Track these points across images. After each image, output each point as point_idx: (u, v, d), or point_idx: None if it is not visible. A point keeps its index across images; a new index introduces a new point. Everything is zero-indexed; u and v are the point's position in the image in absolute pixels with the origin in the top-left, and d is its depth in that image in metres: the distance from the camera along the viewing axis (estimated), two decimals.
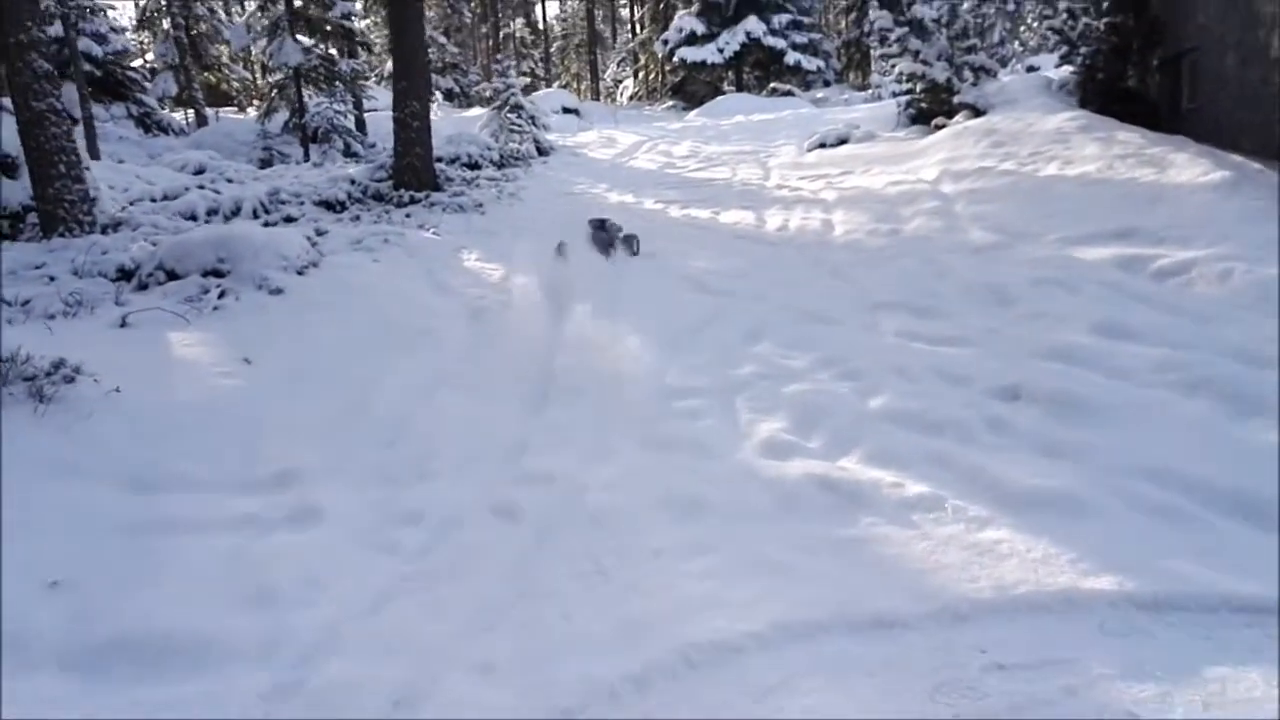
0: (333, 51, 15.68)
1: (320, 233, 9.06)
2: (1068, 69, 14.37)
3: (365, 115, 16.79)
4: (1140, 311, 5.96)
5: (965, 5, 15.37)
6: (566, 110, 31.27)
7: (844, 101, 29.35)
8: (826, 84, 36.02)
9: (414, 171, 11.21)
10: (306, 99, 15.85)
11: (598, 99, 40.65)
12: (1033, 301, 6.40)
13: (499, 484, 4.28)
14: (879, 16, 14.17)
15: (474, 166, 14.29)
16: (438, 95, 33.07)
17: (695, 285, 7.74)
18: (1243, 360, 5.04)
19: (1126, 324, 5.70)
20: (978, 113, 13.45)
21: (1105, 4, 13.44)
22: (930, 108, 14.28)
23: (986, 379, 5.26)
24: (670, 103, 35.34)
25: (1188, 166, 8.46)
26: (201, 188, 10.84)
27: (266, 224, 10.14)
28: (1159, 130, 12.60)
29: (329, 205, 10.82)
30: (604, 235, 9.06)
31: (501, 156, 14.87)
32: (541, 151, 16.54)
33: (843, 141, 14.94)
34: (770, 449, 4.56)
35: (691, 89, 35.33)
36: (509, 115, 16.05)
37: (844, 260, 8.12)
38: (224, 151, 16.74)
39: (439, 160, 14.41)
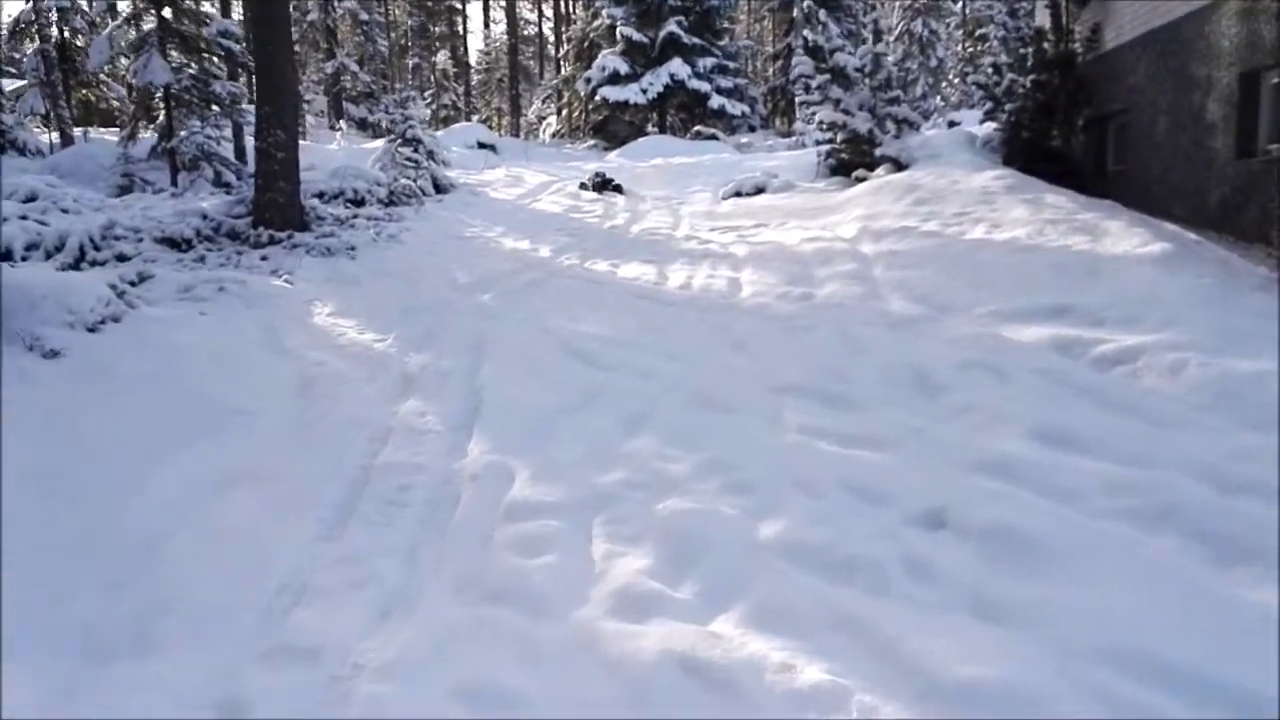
0: (209, 72, 14.28)
1: (143, 277, 7.73)
2: (992, 125, 13.82)
3: (246, 143, 15.39)
4: (1084, 410, 5.04)
5: (890, 57, 14.80)
6: (482, 145, 30.15)
7: (768, 147, 28.86)
8: (752, 129, 35.65)
9: (277, 208, 9.93)
10: (181, 123, 14.41)
11: (518, 135, 39.66)
12: (961, 391, 5.45)
13: (242, 664, 3.06)
14: (800, 62, 13.47)
15: (359, 203, 13.03)
16: (348, 125, 31.73)
17: (576, 355, 6.64)
18: (1211, 483, 4.12)
19: (1070, 427, 4.76)
20: (899, 166, 12.75)
21: (1031, 62, 12.94)
22: (851, 159, 13.56)
23: (907, 498, 4.24)
24: (592, 142, 34.52)
25: (1124, 236, 7.71)
26: (24, 218, 9.35)
27: (94, 263, 8.76)
28: (1084, 192, 12.06)
29: (174, 243, 9.46)
30: None
31: (391, 193, 13.64)
32: (440, 189, 15.35)
33: (760, 191, 14.12)
34: (626, 603, 3.44)
35: (614, 129, 34.57)
36: (403, 149, 14.83)
37: (749, 329, 7.12)
38: (82, 176, 15.15)
39: (320, 195, 13.15)
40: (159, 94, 13.92)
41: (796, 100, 16.25)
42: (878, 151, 12.89)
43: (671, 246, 10.81)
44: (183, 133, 13.91)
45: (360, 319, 7.57)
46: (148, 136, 14.92)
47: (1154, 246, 7.34)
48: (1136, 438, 4.62)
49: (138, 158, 14.72)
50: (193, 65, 13.91)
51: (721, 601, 3.48)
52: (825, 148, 14.36)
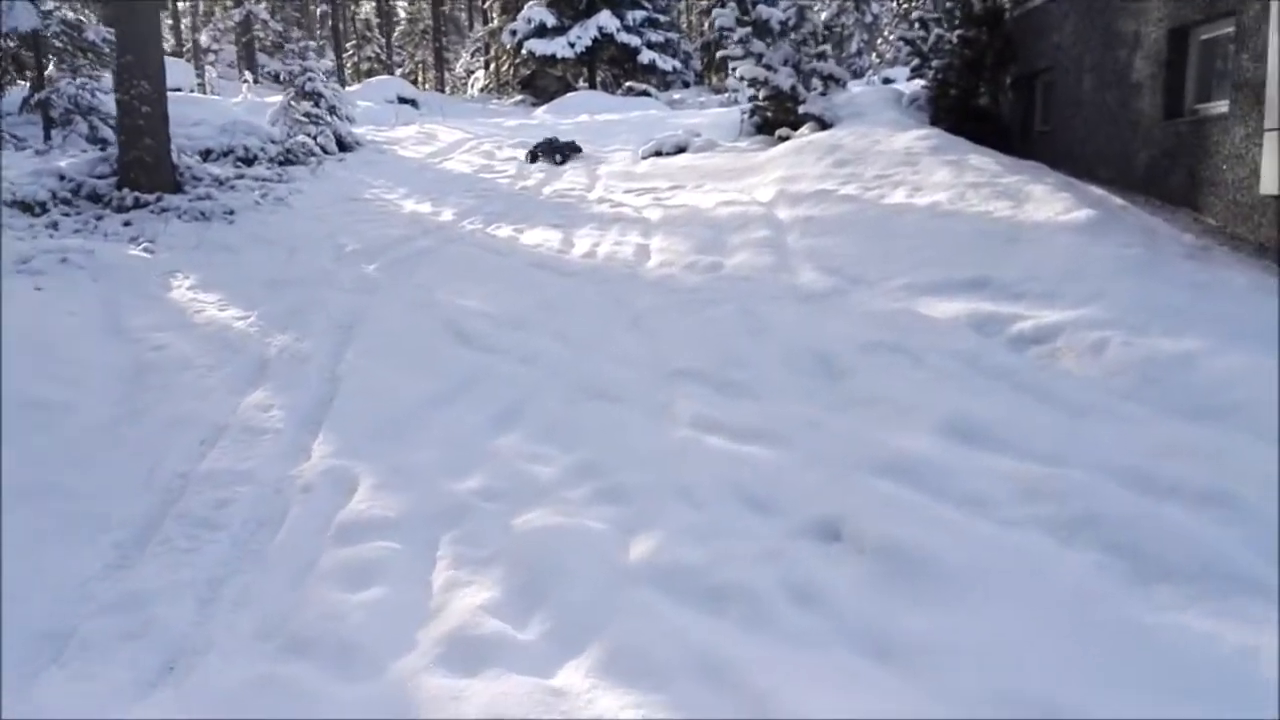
0: (84, 17, 13.13)
1: None
2: (919, 83, 13.37)
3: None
4: (998, 397, 4.60)
5: (818, 9, 14.21)
6: (402, 100, 28.93)
7: (700, 104, 28.17)
8: (686, 85, 34.86)
9: (143, 167, 9.05)
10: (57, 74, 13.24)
11: (443, 90, 38.30)
12: (867, 377, 4.97)
13: None
14: (720, 14, 12.79)
15: (250, 162, 12.12)
16: (264, 78, 30.10)
17: (458, 335, 6.02)
18: (1132, 485, 3.70)
19: (982, 420, 4.31)
20: (824, 125, 12.24)
21: (958, 17, 12.47)
22: (775, 117, 12.98)
23: (798, 504, 3.76)
24: (519, 97, 33.45)
25: (1047, 201, 7.30)
26: None
27: None
28: (1011, 153, 11.69)
29: (26, 207, 8.56)
30: None
31: (288, 151, 12.74)
32: (344, 146, 14.44)
33: (680, 150, 13.49)
34: (459, 649, 2.89)
35: (542, 84, 33.51)
36: (302, 103, 13.87)
37: (650, 305, 6.56)
38: None
39: (208, 153, 12.24)
40: (22, 40, 12.74)
41: (716, 55, 15.55)
42: (801, 109, 12.34)
43: (582, 210, 10.18)
44: (61, 84, 12.76)
45: (224, 293, 6.84)
46: (20, 89, 13.71)
47: (1078, 213, 6.94)
48: (1053, 431, 4.20)
49: (8, 112, 13.53)
50: (63, 8, 12.75)
51: (573, 644, 2.95)
52: (749, 105, 13.77)
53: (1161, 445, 3.97)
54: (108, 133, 11.98)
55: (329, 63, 15.03)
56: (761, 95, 13.02)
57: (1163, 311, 5.20)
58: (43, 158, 10.72)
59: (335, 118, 14.51)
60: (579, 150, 14.40)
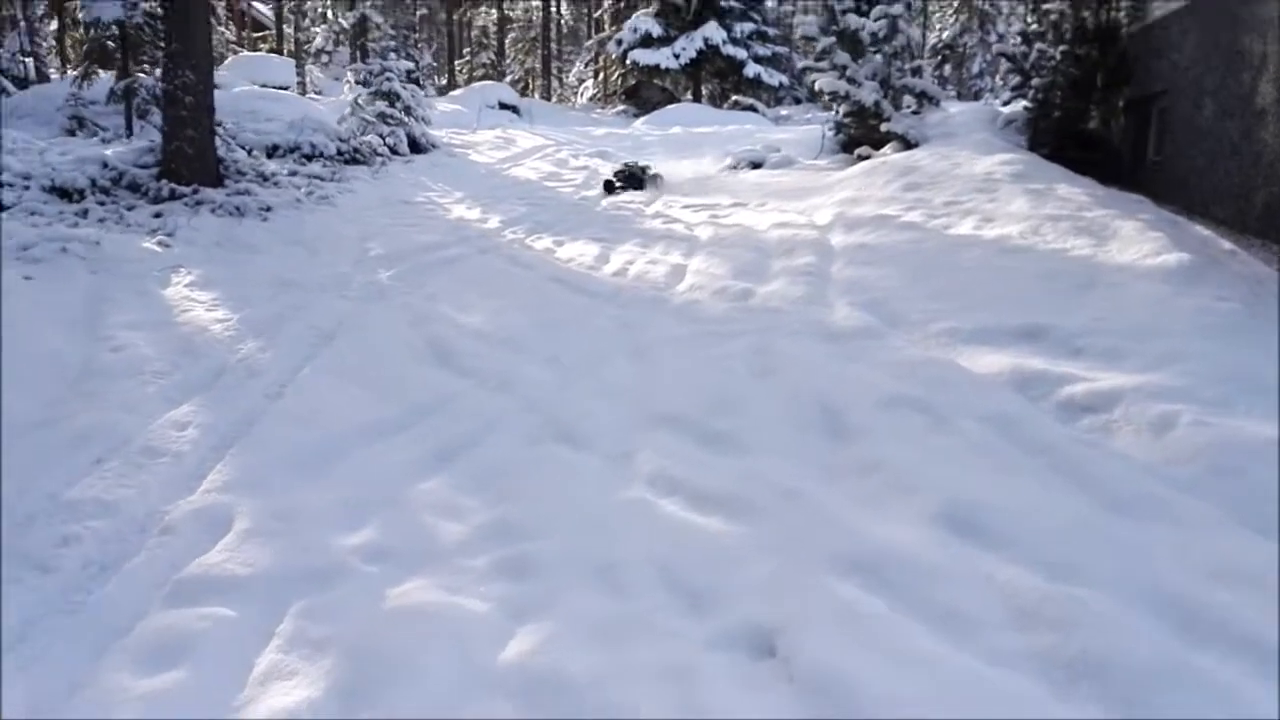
0: None
1: None
2: (1021, 104, 12.30)
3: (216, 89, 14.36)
4: (1024, 479, 3.76)
5: (905, 22, 13.25)
6: (504, 106, 28.94)
7: (807, 120, 27.26)
8: (797, 101, 33.93)
9: (184, 159, 8.86)
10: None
11: (548, 97, 38.32)
12: (874, 439, 4.19)
13: None
14: (803, 23, 12.03)
15: (313, 159, 11.97)
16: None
17: (439, 355, 5.48)
18: (1163, 617, 2.87)
19: (994, 507, 3.50)
20: (908, 145, 11.33)
21: (1067, 31, 11.39)
22: (857, 134, 12.14)
23: (736, 602, 3.05)
24: (622, 108, 33.11)
25: (1134, 240, 6.33)
26: None
27: None
28: (1119, 184, 10.56)
29: (64, 193, 8.45)
30: None
31: (354, 150, 12.55)
32: (416, 148, 14.22)
33: (756, 166, 12.78)
34: None
35: (646, 95, 33.07)
36: (378, 103, 13.70)
37: (661, 334, 5.90)
38: (41, 118, 14.25)
39: (274, 149, 12.13)
40: (107, 31, 12.90)
41: (798, 66, 14.69)
42: (884, 127, 11.46)
43: (633, 224, 9.58)
44: (140, 75, 12.88)
45: (222, 293, 6.48)
46: (105, 77, 13.95)
47: (1169, 256, 5.96)
48: (1080, 532, 3.35)
49: (90, 100, 13.78)
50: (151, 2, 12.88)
51: None
52: (832, 122, 12.94)
53: (1216, 565, 3.09)
54: None
55: (408, 64, 14.80)
56: (843, 111, 12.18)
57: (1251, 385, 4.26)
58: (109, 145, 10.73)
59: (411, 119, 14.31)
60: (656, 178, 12.51)
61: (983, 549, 3.27)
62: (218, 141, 9.88)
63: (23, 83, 17.82)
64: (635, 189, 11.95)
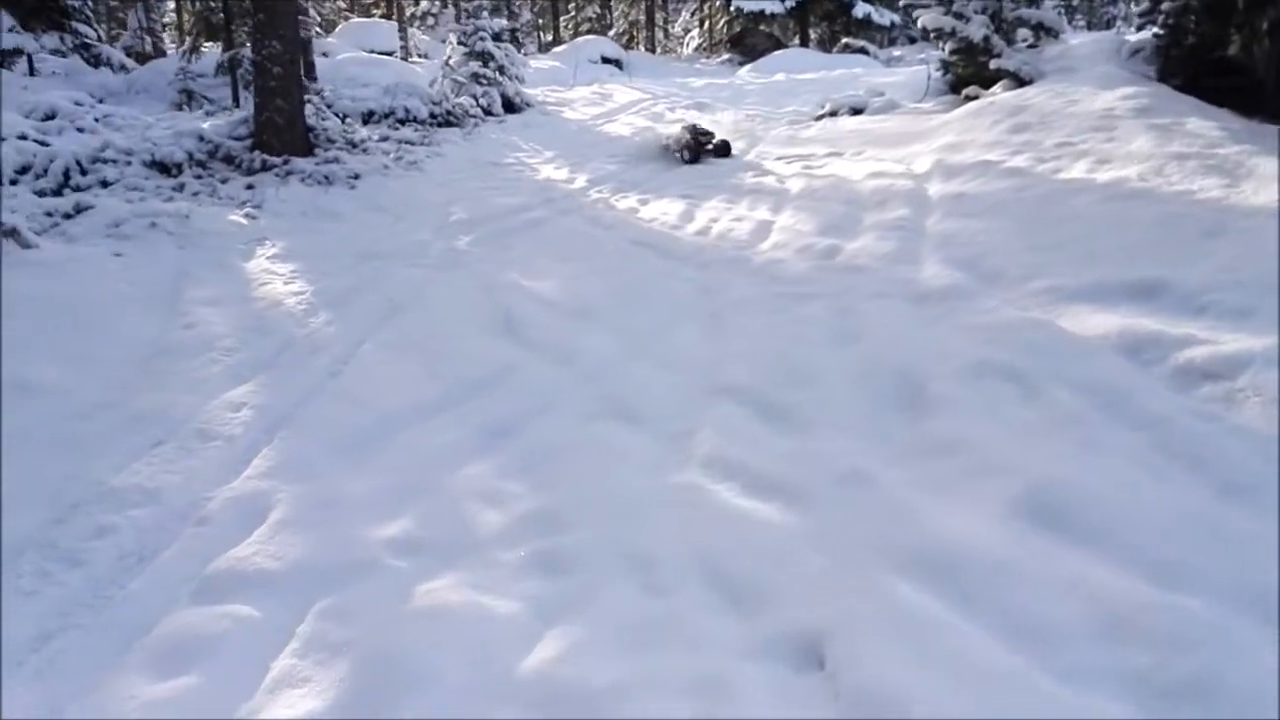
0: None
1: (80, 209, 6.94)
2: (1151, 30, 11.22)
3: (317, 60, 14.56)
4: (1125, 460, 3.34)
5: None
6: (606, 60, 28.69)
7: (920, 60, 25.91)
8: (911, 40, 32.33)
9: (275, 129, 8.95)
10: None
11: (653, 49, 37.69)
12: (955, 412, 3.82)
13: None
14: None
15: (408, 123, 12.01)
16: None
17: (505, 325, 5.34)
18: None
19: (1087, 494, 3.11)
20: (1021, 82, 10.51)
21: None
22: (965, 73, 11.33)
23: (785, 603, 2.79)
24: (727, 56, 32.29)
25: (1272, 179, 5.62)
26: (24, 138, 8.74)
27: (77, 188, 8.03)
28: (1262, 114, 9.53)
29: (163, 168, 8.66)
30: None
31: (447, 113, 12.52)
32: (511, 107, 14.11)
33: (857, 112, 12.14)
34: None
35: (751, 42, 32.13)
36: (471, 64, 13.61)
37: (739, 296, 5.60)
38: (155, 92, 14.80)
39: (370, 115, 12.23)
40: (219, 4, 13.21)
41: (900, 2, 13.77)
42: (994, 64, 10.64)
43: (722, 178, 9.21)
44: (244, 48, 13.16)
45: (303, 264, 6.51)
46: (214, 50, 14.35)
47: None
48: (1190, 523, 2.94)
49: (198, 73, 14.18)
50: None
51: None
52: (939, 61, 12.13)
53: None
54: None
55: (502, 23, 14.64)
56: (949, 49, 11.39)
57: None
58: (213, 118, 10.98)
59: (504, 78, 14.18)
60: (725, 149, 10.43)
61: (1070, 545, 2.90)
62: (310, 110, 9.97)
63: (144, 58, 18.57)
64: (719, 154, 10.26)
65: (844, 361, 4.45)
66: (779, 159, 9.93)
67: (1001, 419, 3.72)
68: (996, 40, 10.81)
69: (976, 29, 10.66)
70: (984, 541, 2.93)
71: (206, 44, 15.41)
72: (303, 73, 14.47)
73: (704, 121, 11.95)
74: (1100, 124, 7.53)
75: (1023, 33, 12.06)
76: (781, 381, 4.32)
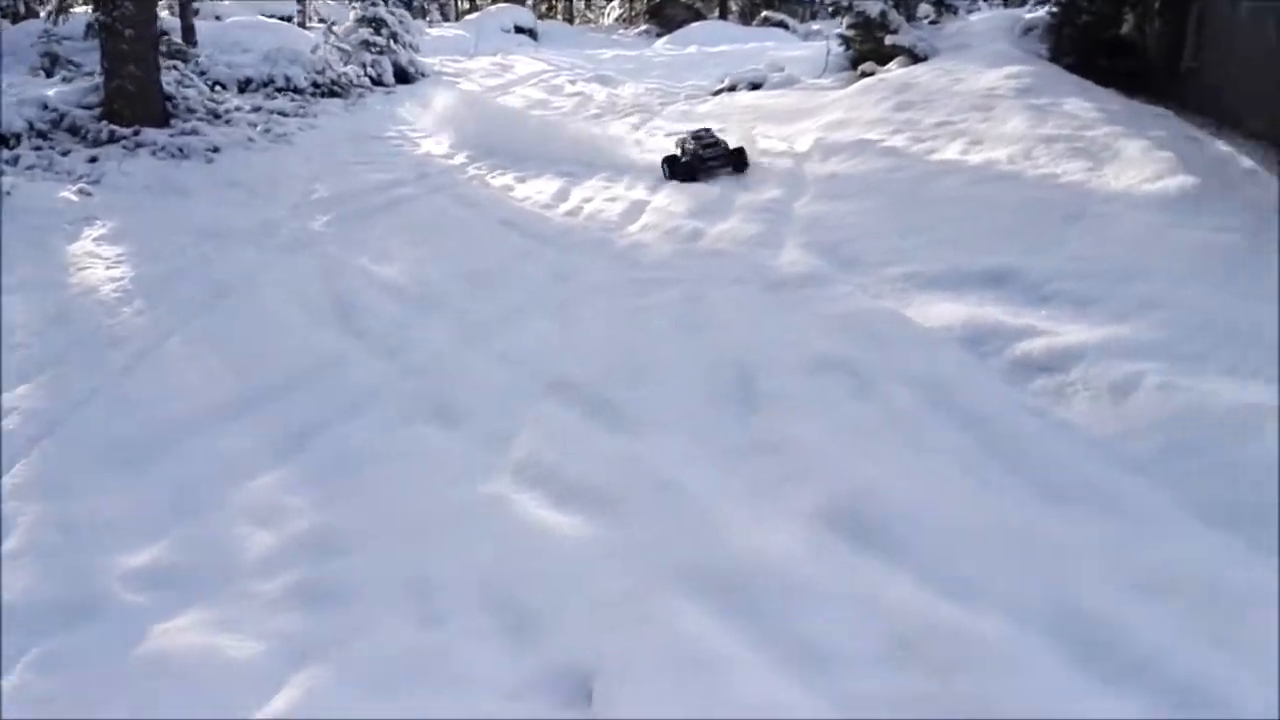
0: None
1: None
2: (1045, 9, 11.22)
3: (197, 23, 13.80)
4: (946, 461, 3.18)
5: None
6: (520, 29, 28.01)
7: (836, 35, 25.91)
8: (833, 14, 32.35)
9: (127, 98, 8.36)
10: None
11: (571, 20, 37.05)
12: (787, 410, 3.62)
13: None
14: None
15: (289, 92, 11.43)
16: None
17: (339, 313, 5.00)
18: (1069, 647, 2.31)
19: (895, 504, 2.93)
20: (917, 58, 10.41)
21: None
22: (863, 49, 11.20)
23: (567, 636, 2.55)
24: (645, 27, 31.86)
25: (1136, 163, 5.56)
26: None
27: None
28: (1150, 94, 9.58)
29: (2, 139, 8.02)
30: None
31: (332, 82, 11.95)
32: (404, 77, 13.58)
33: (755, 87, 11.95)
34: None
35: (670, 13, 31.73)
36: (362, 31, 13.03)
37: (595, 282, 5.35)
38: (20, 56, 13.84)
39: (247, 82, 11.60)
40: None
41: None
42: (890, 40, 10.52)
43: (607, 155, 8.89)
44: None
45: (131, 246, 6.04)
46: (82, 12, 13.48)
47: (1171, 181, 5.20)
48: (999, 532, 2.78)
49: (66, 36, 13.30)
50: None
51: None
52: (839, 36, 11.98)
53: (1150, 575, 2.52)
54: None
55: None
56: (847, 24, 11.24)
57: (1235, 336, 3.60)
58: (48, 84, 10.25)
59: (398, 45, 13.62)
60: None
61: (872, 557, 2.72)
62: (172, 77, 9.37)
63: (17, 18, 17.38)
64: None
65: (686, 354, 4.23)
66: (668, 135, 9.64)
67: (830, 418, 3.53)
68: (894, 16, 10.69)
69: (873, 4, 10.51)
70: (785, 558, 2.73)
71: (83, 4, 14.45)
72: (182, 37, 13.76)
73: (601, 94, 11.62)
74: (981, 103, 7.44)
75: (924, 8, 11.99)
76: (618, 376, 4.07)
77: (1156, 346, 3.63)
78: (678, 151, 7.83)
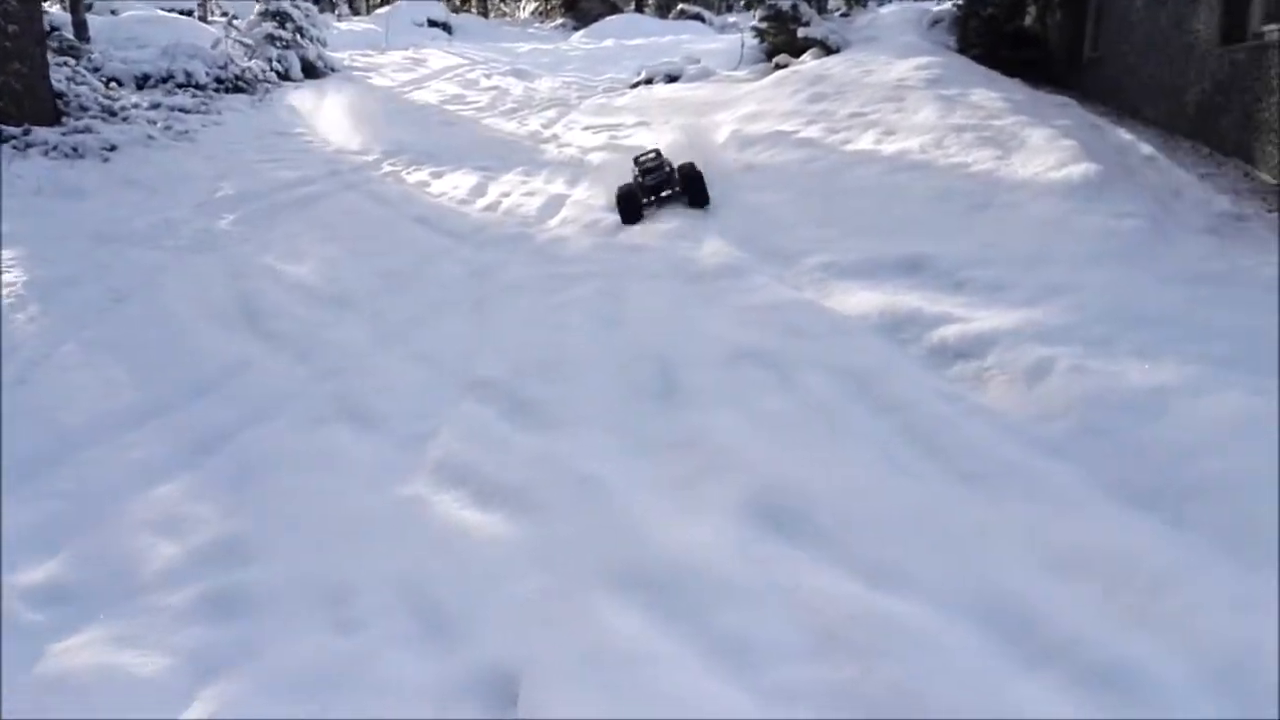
0: None
1: None
2: (951, 2, 11.48)
3: (90, 19, 13.21)
4: (865, 450, 3.21)
5: None
6: (433, 23, 27.54)
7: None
8: (749, 7, 32.59)
9: (12, 96, 7.93)
10: None
11: (486, 14, 36.63)
12: (706, 404, 3.61)
13: None
14: None
15: (190, 88, 11.01)
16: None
17: (245, 317, 4.82)
18: (990, 628, 2.33)
19: (817, 495, 2.93)
20: (829, 50, 10.53)
21: None
22: (777, 42, 11.30)
23: (488, 634, 2.48)
24: (561, 21, 31.67)
25: (1041, 151, 5.69)
26: None
27: None
28: (1053, 84, 9.88)
29: None
30: None
31: (236, 78, 11.57)
32: (312, 72, 13.23)
33: (672, 79, 11.96)
34: None
35: (586, 6, 31.58)
36: (266, 25, 12.64)
37: (513, 279, 5.27)
38: None
39: (145, 79, 11.15)
40: None
41: None
42: (802, 32, 10.64)
43: (524, 150, 8.82)
44: None
45: (24, 250, 5.71)
46: None
47: (1075, 168, 5.34)
48: (919, 518, 2.80)
49: None
50: None
51: None
52: (752, 28, 12.07)
53: (1065, 554, 2.56)
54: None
55: None
56: (759, 16, 11.32)
57: (1141, 319, 3.71)
58: None
59: (305, 40, 13.26)
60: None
61: (795, 548, 2.71)
62: (64, 74, 8.94)
63: None
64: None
65: (605, 350, 4.19)
66: (585, 129, 9.60)
67: (750, 410, 3.52)
68: (805, 9, 10.80)
69: None
70: (708, 551, 2.70)
71: None
72: (74, 33, 13.14)
73: (518, 89, 11.47)
74: (892, 94, 7.54)
75: (835, 1, 12.14)
76: (537, 373, 4.01)
77: (1067, 330, 3.71)
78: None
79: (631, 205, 5.97)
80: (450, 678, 2.38)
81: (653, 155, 6.44)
